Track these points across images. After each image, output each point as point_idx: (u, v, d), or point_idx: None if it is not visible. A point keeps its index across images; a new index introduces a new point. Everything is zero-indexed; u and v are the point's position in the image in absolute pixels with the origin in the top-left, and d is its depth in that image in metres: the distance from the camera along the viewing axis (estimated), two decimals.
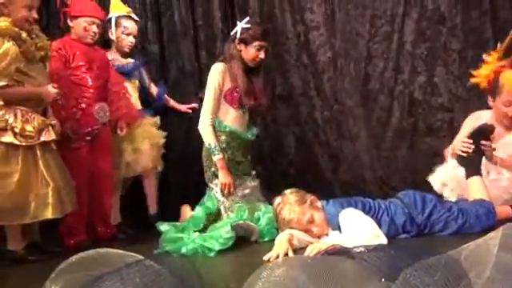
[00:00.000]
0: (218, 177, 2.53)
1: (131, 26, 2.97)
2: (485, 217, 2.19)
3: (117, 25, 2.93)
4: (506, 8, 3.39)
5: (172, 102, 3.25)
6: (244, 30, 2.56)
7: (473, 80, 2.68)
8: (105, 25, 2.91)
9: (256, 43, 2.54)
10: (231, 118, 2.58)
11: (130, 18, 2.98)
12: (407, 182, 3.15)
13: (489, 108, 2.64)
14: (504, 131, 2.52)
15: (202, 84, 3.34)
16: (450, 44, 3.32)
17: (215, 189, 2.55)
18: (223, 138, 2.56)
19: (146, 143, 2.87)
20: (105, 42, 2.99)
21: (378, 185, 3.33)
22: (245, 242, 2.36)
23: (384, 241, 1.98)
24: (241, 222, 2.38)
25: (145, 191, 3.02)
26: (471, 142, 2.38)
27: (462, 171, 2.43)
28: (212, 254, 2.15)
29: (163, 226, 2.42)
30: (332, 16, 3.40)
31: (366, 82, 3.39)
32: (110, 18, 2.94)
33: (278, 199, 2.25)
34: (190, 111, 3.23)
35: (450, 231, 2.17)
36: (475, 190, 2.35)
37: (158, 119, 3.05)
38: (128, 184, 3.05)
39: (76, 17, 2.63)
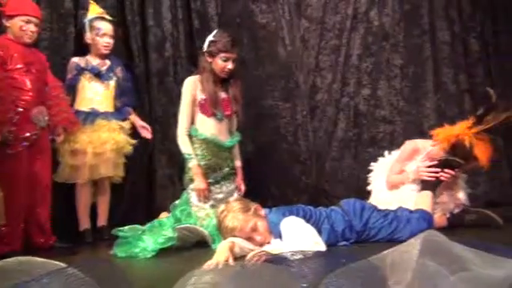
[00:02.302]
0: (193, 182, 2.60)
1: (105, 26, 2.93)
2: (415, 222, 2.27)
3: (91, 28, 2.90)
4: (443, 29, 3.61)
5: (134, 117, 3.06)
6: (210, 42, 2.66)
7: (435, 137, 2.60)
8: (80, 30, 2.91)
9: (222, 55, 2.63)
10: (207, 126, 2.66)
11: (103, 18, 2.94)
12: (351, 191, 3.24)
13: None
14: None
15: (150, 85, 3.34)
16: (393, 60, 3.48)
17: (191, 193, 2.61)
18: (199, 145, 2.64)
19: (108, 148, 2.80)
20: (82, 47, 2.94)
21: (323, 193, 3.41)
22: (193, 248, 2.37)
23: (323, 248, 2.02)
24: (188, 225, 2.41)
25: (96, 201, 2.92)
26: (437, 170, 2.50)
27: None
28: (149, 255, 2.18)
29: (118, 231, 2.40)
30: (285, 26, 3.47)
31: (314, 93, 3.48)
32: (84, 23, 2.91)
33: (222, 207, 2.26)
34: (148, 137, 3.06)
35: (382, 236, 2.25)
36: (420, 201, 2.47)
37: (126, 124, 2.97)
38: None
39: (12, 16, 2.54)
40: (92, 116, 2.83)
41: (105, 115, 2.87)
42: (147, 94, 3.34)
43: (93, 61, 2.93)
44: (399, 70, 3.48)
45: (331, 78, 3.48)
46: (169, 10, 3.35)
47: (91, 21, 2.91)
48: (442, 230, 2.25)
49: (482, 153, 2.41)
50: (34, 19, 2.57)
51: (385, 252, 1.29)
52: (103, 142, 2.80)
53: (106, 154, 2.79)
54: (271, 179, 3.37)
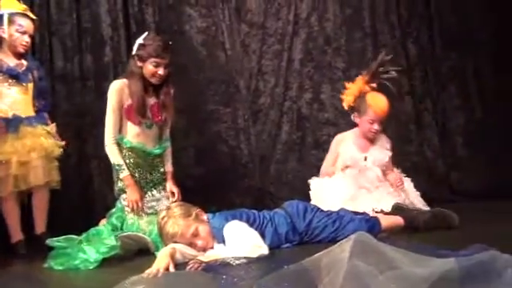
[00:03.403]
0: (125, 192, 2.51)
1: (27, 24, 2.75)
2: (358, 222, 2.31)
3: (10, 22, 2.71)
4: (384, 32, 3.76)
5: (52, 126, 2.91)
6: (140, 46, 2.54)
7: (343, 98, 2.98)
8: None
9: (152, 60, 2.51)
10: (133, 133, 2.56)
11: (25, 15, 2.77)
12: (296, 193, 3.28)
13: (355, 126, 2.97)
14: (369, 144, 2.90)
15: (85, 89, 3.24)
16: (335, 63, 3.57)
17: (123, 202, 2.53)
18: (127, 153, 2.55)
19: (34, 156, 2.63)
20: None
21: (269, 195, 3.45)
22: (136, 256, 2.31)
23: (265, 251, 2.03)
24: (130, 233, 2.35)
25: (32, 207, 2.76)
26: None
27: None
28: (92, 267, 2.09)
29: (53, 241, 2.27)
30: (225, 31, 3.48)
31: (257, 97, 3.51)
32: (1, 15, 2.71)
33: (163, 213, 2.22)
34: None
35: (326, 234, 2.27)
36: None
37: (53, 127, 2.81)
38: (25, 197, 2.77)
39: None
40: (15, 122, 2.65)
41: (28, 120, 2.69)
42: (81, 97, 3.23)
43: (8, 61, 2.73)
44: (342, 73, 3.57)
45: (274, 82, 3.54)
46: (108, 14, 3.26)
47: (12, 15, 2.72)
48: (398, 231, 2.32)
49: (374, 99, 2.81)
50: None
51: (318, 254, 1.30)
52: (29, 149, 2.63)
53: (32, 162, 2.63)
54: (214, 183, 3.36)
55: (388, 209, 2.59)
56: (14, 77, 2.71)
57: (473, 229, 2.25)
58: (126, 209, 2.51)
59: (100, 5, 3.26)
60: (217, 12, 3.49)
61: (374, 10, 3.76)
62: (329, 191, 2.74)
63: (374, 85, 2.87)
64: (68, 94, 3.19)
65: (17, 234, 2.68)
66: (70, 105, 3.19)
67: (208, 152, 3.44)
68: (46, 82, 2.93)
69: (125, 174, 2.51)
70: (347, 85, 2.97)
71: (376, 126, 2.82)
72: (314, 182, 2.93)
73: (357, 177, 2.82)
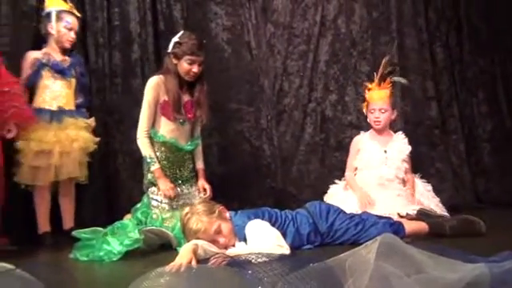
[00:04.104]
0: (154, 185, 2.58)
1: (73, 21, 2.88)
2: (381, 225, 2.29)
3: (58, 19, 2.82)
4: (411, 36, 3.71)
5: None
6: (176, 44, 2.61)
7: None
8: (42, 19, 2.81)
9: (187, 57, 2.58)
10: (167, 129, 2.62)
11: (71, 13, 2.89)
12: (318, 194, 3.25)
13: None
14: (387, 140, 2.96)
15: (113, 85, 3.27)
16: (360, 66, 3.55)
17: (151, 196, 2.58)
18: (159, 148, 2.62)
19: (76, 146, 2.72)
20: (39, 37, 2.86)
21: (291, 197, 3.42)
22: (158, 251, 2.33)
23: (287, 251, 2.02)
24: (153, 227, 2.38)
25: (59, 202, 2.84)
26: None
27: None
28: (115, 258, 2.13)
29: (78, 233, 2.32)
30: (251, 30, 3.48)
31: (281, 97, 3.50)
32: (49, 12, 2.82)
33: (186, 209, 2.24)
34: None
35: (348, 237, 2.26)
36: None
37: (92, 121, 2.90)
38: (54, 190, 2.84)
39: None
40: (59, 114, 2.75)
41: (71, 113, 2.80)
42: (112, 93, 3.26)
43: (55, 56, 2.83)
44: (366, 76, 3.54)
45: (299, 83, 3.53)
46: (137, 11, 3.29)
47: (60, 12, 2.84)
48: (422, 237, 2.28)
49: (370, 92, 2.99)
50: None
51: (343, 254, 1.29)
52: (72, 140, 2.72)
53: (72, 154, 2.71)
54: (236, 183, 3.36)
55: (413, 214, 2.54)
56: (59, 71, 2.81)
57: (500, 236, 2.19)
58: (153, 203, 2.56)
59: (129, 2, 3.29)
60: (243, 11, 3.49)
61: (402, 14, 3.72)
62: (343, 200, 2.78)
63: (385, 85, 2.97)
64: (97, 91, 3.23)
65: (45, 225, 2.74)
66: (99, 101, 3.23)
67: (230, 151, 3.44)
68: (86, 78, 3.02)
69: (156, 166, 2.58)
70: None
71: (377, 114, 2.91)
72: (332, 188, 3.01)
73: (379, 173, 2.85)
